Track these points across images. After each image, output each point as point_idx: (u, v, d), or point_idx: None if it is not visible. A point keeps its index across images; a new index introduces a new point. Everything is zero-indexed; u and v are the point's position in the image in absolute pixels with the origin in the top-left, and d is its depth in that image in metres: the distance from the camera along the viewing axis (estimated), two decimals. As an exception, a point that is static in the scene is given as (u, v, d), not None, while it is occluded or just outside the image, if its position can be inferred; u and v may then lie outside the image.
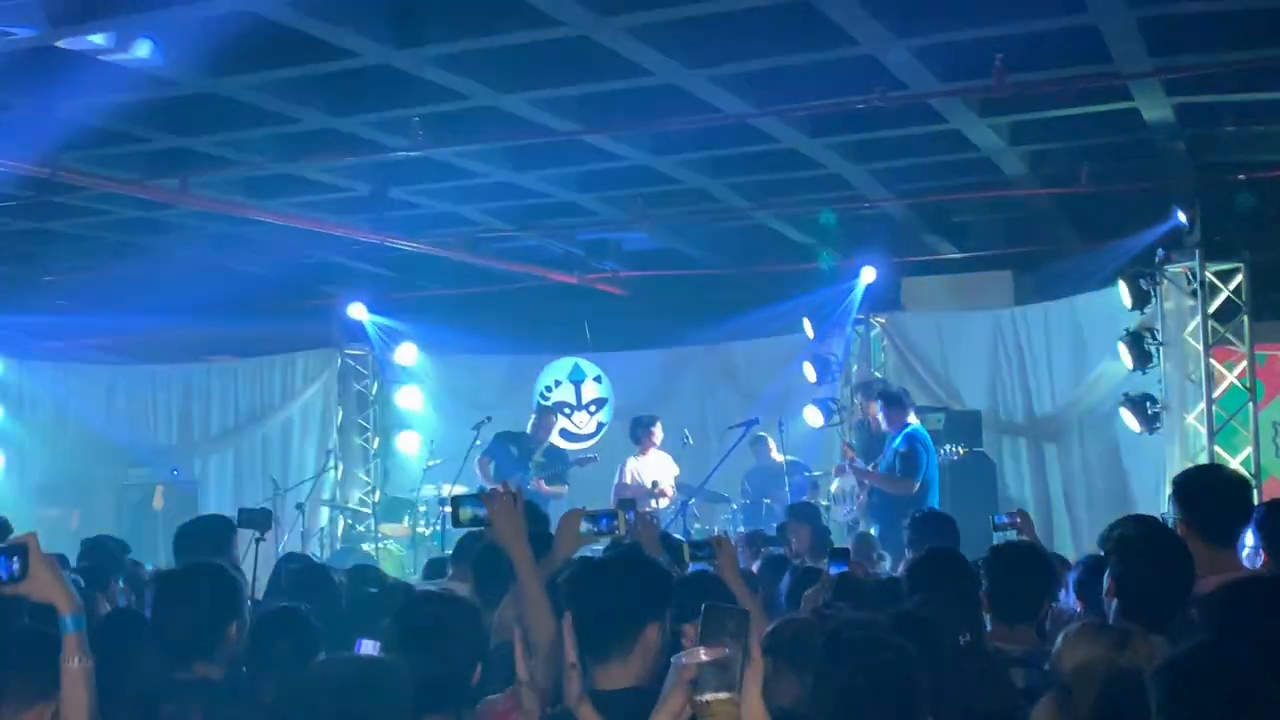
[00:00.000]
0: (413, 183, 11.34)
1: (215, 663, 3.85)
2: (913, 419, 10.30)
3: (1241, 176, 10.82)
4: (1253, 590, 3.55)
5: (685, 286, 14.11)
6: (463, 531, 5.46)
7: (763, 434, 12.19)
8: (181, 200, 11.06)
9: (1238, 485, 4.60)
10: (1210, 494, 4.42)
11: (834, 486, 11.52)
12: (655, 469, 12.18)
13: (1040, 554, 5.08)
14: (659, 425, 12.35)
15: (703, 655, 2.37)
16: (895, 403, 10.32)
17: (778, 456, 12.06)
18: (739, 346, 13.99)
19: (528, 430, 12.62)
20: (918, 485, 9.85)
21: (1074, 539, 11.75)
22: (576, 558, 4.05)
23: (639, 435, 12.33)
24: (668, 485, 12.07)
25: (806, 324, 12.91)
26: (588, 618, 3.26)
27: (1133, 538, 4.07)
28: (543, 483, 12.10)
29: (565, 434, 14.62)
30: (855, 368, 13.34)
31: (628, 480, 12.14)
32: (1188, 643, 2.96)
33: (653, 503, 11.63)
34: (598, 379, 14.95)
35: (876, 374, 13.28)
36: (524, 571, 3.86)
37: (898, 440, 10.08)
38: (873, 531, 9.72)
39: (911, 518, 7.00)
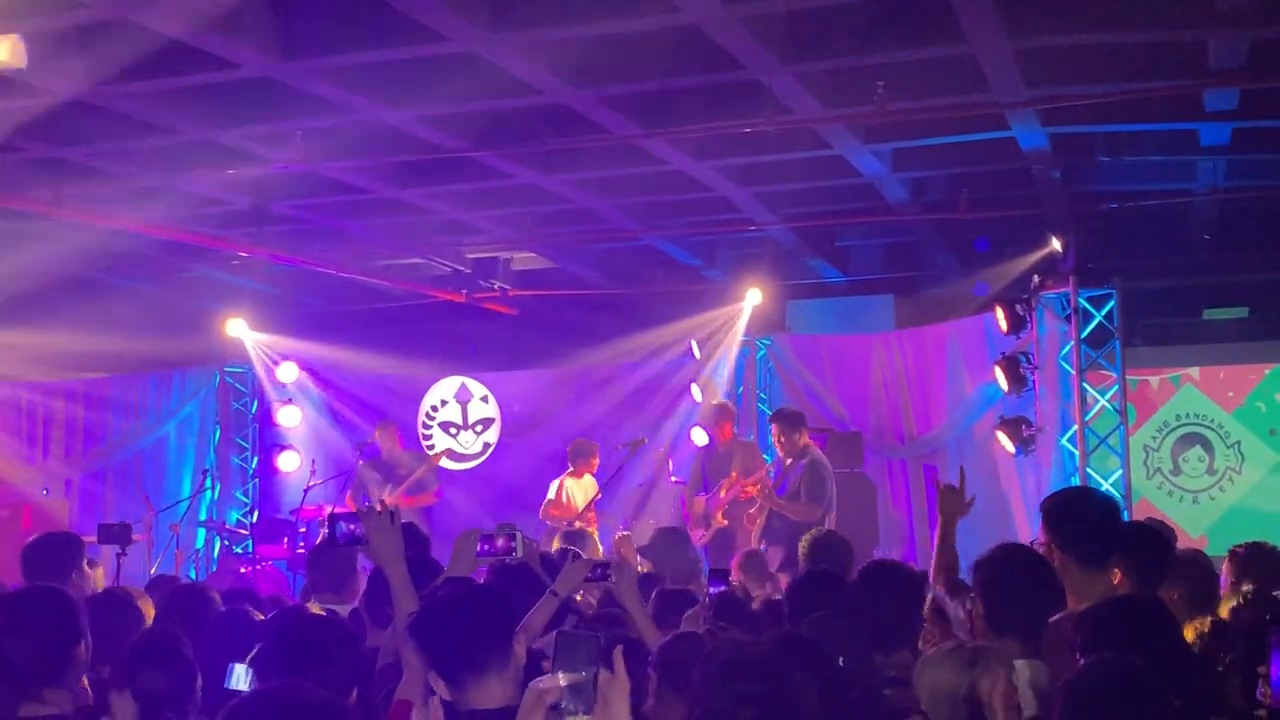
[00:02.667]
0: (295, 198, 11.16)
1: (65, 689, 3.70)
2: (808, 441, 10.37)
3: (1114, 205, 11.18)
4: (1112, 612, 3.66)
5: (574, 306, 14.09)
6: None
7: (663, 454, 12.30)
8: (54, 212, 10.74)
9: (1108, 507, 4.68)
10: (1081, 518, 4.49)
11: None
12: (585, 492, 12.04)
13: (912, 576, 5.13)
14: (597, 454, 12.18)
15: (561, 680, 2.42)
16: (793, 425, 10.35)
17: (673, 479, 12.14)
18: (627, 367, 14.01)
19: (381, 455, 12.45)
20: (821, 511, 9.94)
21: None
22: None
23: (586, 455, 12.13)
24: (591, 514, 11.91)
25: (693, 345, 13.01)
26: (469, 633, 3.23)
27: (999, 559, 4.21)
28: (405, 496, 11.95)
29: (451, 454, 14.49)
30: (741, 389, 13.47)
31: (563, 499, 11.93)
32: (1091, 658, 3.07)
33: (579, 523, 11.46)
34: (484, 399, 14.85)
35: (762, 394, 13.43)
36: (399, 590, 3.82)
37: (802, 465, 10.11)
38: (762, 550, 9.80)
39: (812, 540, 7.02)
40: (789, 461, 10.24)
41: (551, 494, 11.99)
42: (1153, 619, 3.64)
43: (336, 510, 5.01)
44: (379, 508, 4.08)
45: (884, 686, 4.07)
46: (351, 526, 4.03)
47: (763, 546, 10.07)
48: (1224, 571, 6.16)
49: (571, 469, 12.05)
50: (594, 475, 12.09)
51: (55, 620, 3.74)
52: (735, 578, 8.07)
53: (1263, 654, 3.53)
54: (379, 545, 3.92)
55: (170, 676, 3.83)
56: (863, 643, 4.39)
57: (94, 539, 8.30)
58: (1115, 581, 4.78)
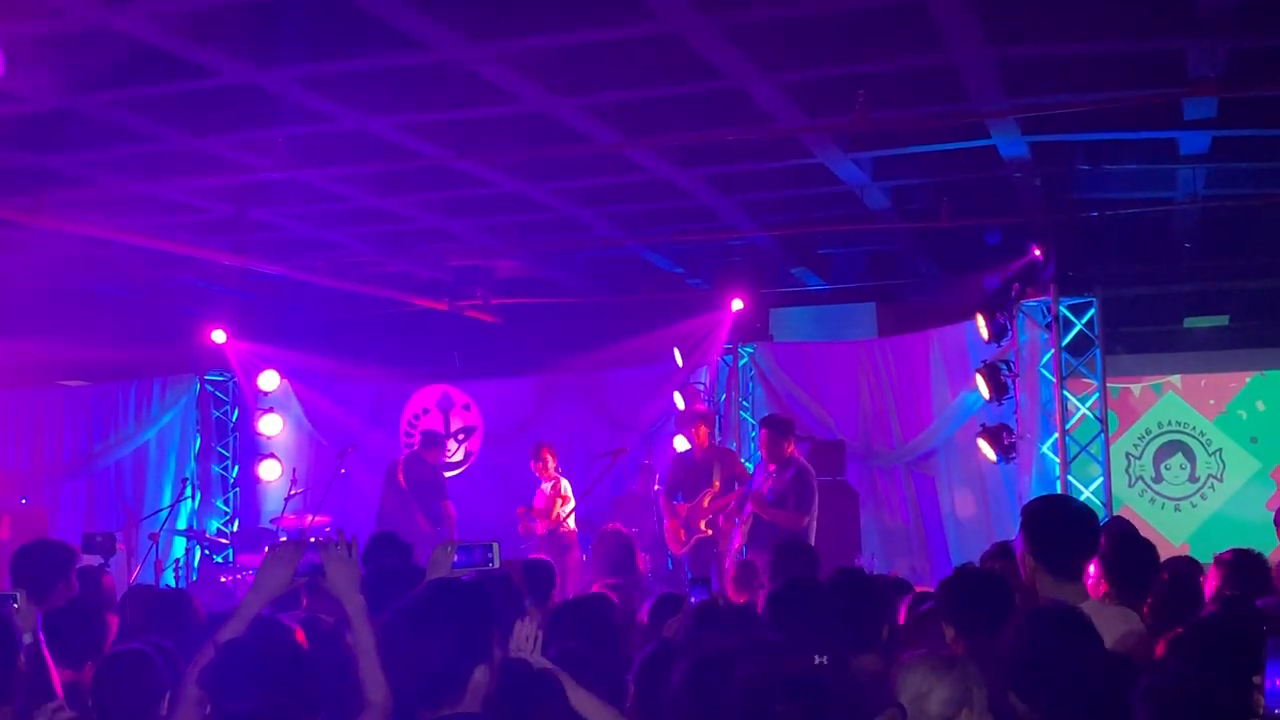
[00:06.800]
0: (276, 205, 11.12)
1: (9, 704, 3.64)
2: (794, 450, 10.38)
3: (1094, 214, 11.21)
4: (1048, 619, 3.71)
5: (556, 314, 14.09)
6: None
7: (646, 463, 12.31)
8: (34, 220, 10.68)
9: (1083, 520, 4.64)
10: (1054, 529, 4.48)
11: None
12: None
13: (876, 583, 5.18)
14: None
15: None
16: (783, 433, 10.35)
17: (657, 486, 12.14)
18: (610, 375, 14.01)
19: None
20: (809, 519, 9.97)
21: (943, 565, 11.98)
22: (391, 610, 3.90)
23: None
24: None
25: (676, 353, 13.01)
26: (412, 677, 3.22)
27: (960, 570, 4.29)
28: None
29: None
30: (725, 396, 13.47)
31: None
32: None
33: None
34: (467, 407, 14.82)
35: (745, 402, 13.44)
36: (358, 625, 3.71)
37: (790, 472, 10.12)
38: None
39: (775, 546, 7.05)
40: (773, 468, 10.24)
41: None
42: (1076, 629, 3.66)
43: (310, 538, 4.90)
44: (337, 538, 3.89)
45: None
46: (315, 558, 3.90)
47: (745, 550, 10.07)
48: (1209, 578, 6.17)
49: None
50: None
51: None
52: (728, 589, 8.09)
53: (1258, 664, 3.54)
54: (335, 577, 3.78)
55: (138, 691, 3.78)
56: (842, 647, 4.41)
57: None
58: (1100, 593, 4.80)
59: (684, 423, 11.60)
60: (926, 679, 3.52)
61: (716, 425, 11.84)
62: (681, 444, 12.42)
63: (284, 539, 12.66)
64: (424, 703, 3.21)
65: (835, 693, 3.18)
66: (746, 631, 4.64)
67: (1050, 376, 11.16)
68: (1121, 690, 3.34)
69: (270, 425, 14.58)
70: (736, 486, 10.83)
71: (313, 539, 4.05)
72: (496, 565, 4.37)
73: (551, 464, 11.98)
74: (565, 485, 11.97)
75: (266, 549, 12.11)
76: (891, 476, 12.92)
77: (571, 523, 11.70)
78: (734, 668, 3.55)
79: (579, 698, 3.72)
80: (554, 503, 11.81)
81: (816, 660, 4.09)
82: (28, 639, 3.97)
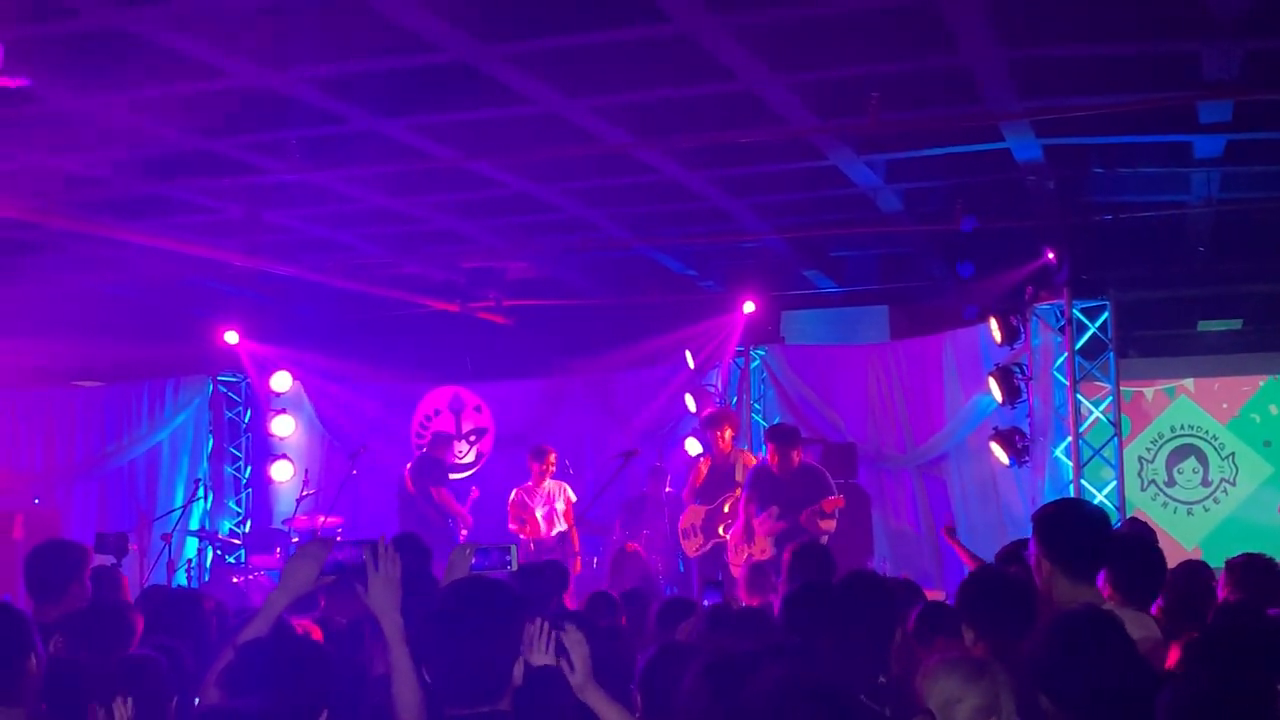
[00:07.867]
0: (288, 206, 11.13)
1: (20, 705, 3.63)
2: (802, 457, 10.35)
3: (1108, 217, 11.18)
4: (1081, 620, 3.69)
5: (568, 316, 14.08)
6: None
7: (658, 465, 12.30)
8: (47, 220, 10.70)
9: (1097, 522, 4.62)
10: (1069, 531, 4.46)
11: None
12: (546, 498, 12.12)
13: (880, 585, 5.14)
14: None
15: None
16: (791, 443, 10.31)
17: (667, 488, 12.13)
18: (621, 377, 13.99)
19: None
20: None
21: (954, 568, 11.95)
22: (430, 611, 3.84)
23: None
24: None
25: (688, 355, 12.99)
26: (460, 674, 3.20)
27: (978, 572, 4.24)
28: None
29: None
30: (736, 399, 13.44)
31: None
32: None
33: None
34: (478, 408, 14.82)
35: (756, 404, 13.41)
36: (395, 642, 3.61)
37: (811, 478, 10.12)
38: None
39: (792, 550, 7.02)
40: (786, 480, 10.22)
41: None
42: (1109, 630, 3.63)
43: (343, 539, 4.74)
44: (391, 547, 3.72)
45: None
46: (340, 557, 3.78)
47: (775, 552, 10.02)
48: (1221, 583, 6.14)
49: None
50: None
51: (4, 636, 3.64)
52: (740, 592, 8.07)
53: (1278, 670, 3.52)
54: (376, 593, 3.64)
55: (143, 695, 3.75)
56: (868, 657, 4.38)
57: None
58: (1105, 596, 4.76)
59: (710, 424, 11.48)
60: (958, 687, 3.48)
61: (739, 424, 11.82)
62: (693, 446, 12.39)
63: (295, 539, 12.71)
64: (470, 700, 3.19)
65: (863, 700, 3.16)
66: (761, 634, 4.62)
67: (1063, 380, 11.13)
68: (1151, 693, 3.32)
69: (282, 426, 14.60)
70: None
71: (337, 537, 3.97)
72: (514, 568, 4.37)
73: (552, 468, 12.00)
74: (568, 490, 12.04)
75: (277, 549, 12.15)
76: (900, 480, 12.88)
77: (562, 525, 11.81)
78: (750, 671, 3.53)
79: (594, 697, 3.66)
80: (552, 505, 11.91)
81: (881, 679, 4.13)
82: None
